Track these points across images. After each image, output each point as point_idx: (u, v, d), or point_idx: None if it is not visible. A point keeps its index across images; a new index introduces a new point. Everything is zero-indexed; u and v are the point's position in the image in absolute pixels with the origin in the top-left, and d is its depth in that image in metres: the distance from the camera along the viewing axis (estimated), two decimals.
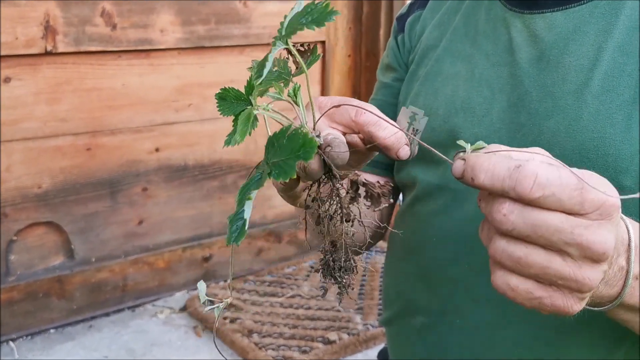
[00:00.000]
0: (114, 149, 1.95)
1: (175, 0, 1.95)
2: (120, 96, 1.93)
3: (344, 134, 0.53)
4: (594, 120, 0.65)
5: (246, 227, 0.44)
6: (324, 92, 2.40)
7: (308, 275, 2.24)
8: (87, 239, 1.95)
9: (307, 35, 2.25)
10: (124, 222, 2.01)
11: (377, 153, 0.58)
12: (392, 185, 0.50)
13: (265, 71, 0.47)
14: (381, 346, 1.86)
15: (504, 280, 0.46)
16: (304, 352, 1.79)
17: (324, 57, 2.34)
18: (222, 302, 0.48)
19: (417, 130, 0.56)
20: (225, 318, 1.94)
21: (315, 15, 0.46)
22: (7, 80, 1.74)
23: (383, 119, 0.53)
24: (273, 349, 1.79)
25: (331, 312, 1.98)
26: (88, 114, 1.89)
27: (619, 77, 0.65)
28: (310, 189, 0.51)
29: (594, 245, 0.43)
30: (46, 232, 1.89)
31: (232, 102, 0.51)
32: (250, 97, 0.49)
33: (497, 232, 0.45)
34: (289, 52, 0.50)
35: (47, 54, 1.78)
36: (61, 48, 1.79)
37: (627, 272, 0.49)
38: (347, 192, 0.49)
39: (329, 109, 0.54)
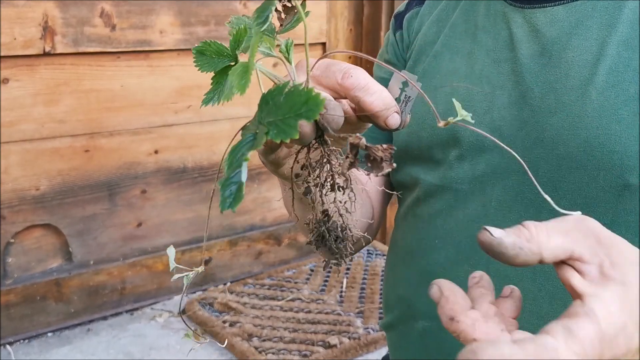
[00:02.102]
0: (112, 150, 1.94)
1: (175, 2, 1.94)
2: (119, 98, 1.92)
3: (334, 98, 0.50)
4: (599, 116, 0.63)
5: (242, 191, 0.39)
6: None
7: (308, 279, 2.22)
8: (85, 242, 1.94)
9: (308, 36, 2.24)
10: (122, 224, 1.99)
11: (370, 125, 0.54)
12: (394, 149, 0.47)
13: (270, 16, 0.42)
14: (382, 350, 1.85)
15: None
16: (305, 356, 1.77)
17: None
18: (192, 270, 0.45)
19: (409, 97, 0.51)
20: (224, 322, 1.92)
21: None
22: (5, 81, 1.73)
23: (372, 84, 0.49)
24: (273, 353, 1.77)
25: (332, 316, 1.97)
26: (86, 116, 1.87)
27: (624, 72, 0.63)
28: (297, 155, 0.47)
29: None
30: (44, 234, 1.88)
31: (213, 57, 0.47)
32: (236, 52, 0.45)
33: None
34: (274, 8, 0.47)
35: (45, 54, 1.76)
36: (59, 49, 1.78)
37: None
38: (347, 157, 0.45)
39: (312, 68, 0.50)
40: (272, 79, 0.46)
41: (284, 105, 0.40)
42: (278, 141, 0.39)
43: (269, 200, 2.25)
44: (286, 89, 0.41)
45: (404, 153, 0.79)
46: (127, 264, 2.01)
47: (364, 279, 2.22)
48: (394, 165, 0.46)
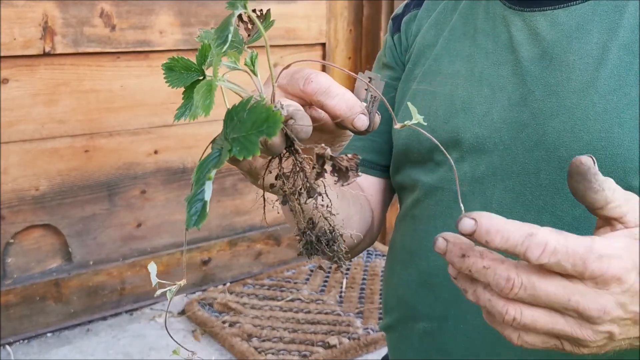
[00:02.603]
0: (111, 151, 1.94)
1: (175, 2, 1.94)
2: (119, 98, 1.92)
3: (302, 106, 0.49)
4: (602, 119, 0.63)
5: (207, 210, 0.40)
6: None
7: (308, 279, 2.22)
8: (85, 242, 1.94)
9: (307, 37, 2.24)
10: (121, 225, 1.99)
11: (351, 134, 0.54)
12: (360, 158, 0.47)
13: (230, 36, 0.43)
14: (382, 350, 1.85)
15: (512, 333, 0.48)
16: (304, 356, 1.77)
17: (324, 59, 2.33)
18: (174, 284, 0.45)
19: (375, 97, 0.50)
20: (224, 322, 1.92)
21: None
22: (5, 81, 1.73)
23: (334, 87, 0.48)
24: (273, 354, 1.77)
25: (331, 316, 1.97)
26: (86, 116, 1.87)
27: (625, 76, 0.64)
28: (270, 165, 0.47)
29: (590, 311, 0.45)
30: (43, 235, 1.87)
31: (182, 72, 0.47)
32: (202, 67, 0.45)
33: (497, 294, 0.46)
34: (240, 19, 0.47)
35: (45, 55, 1.76)
36: (59, 49, 1.78)
37: None
38: (313, 167, 0.46)
39: (278, 77, 0.50)
40: (238, 93, 0.46)
41: (246, 122, 0.40)
42: (241, 158, 0.40)
43: (268, 200, 2.25)
44: (249, 105, 0.41)
45: (404, 155, 0.79)
46: (127, 265, 2.00)
47: (364, 279, 2.22)
48: (360, 174, 0.46)
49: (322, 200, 0.46)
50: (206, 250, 2.16)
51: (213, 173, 0.41)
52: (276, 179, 0.47)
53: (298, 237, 0.48)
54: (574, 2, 0.68)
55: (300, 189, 0.46)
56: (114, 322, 1.96)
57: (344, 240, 0.48)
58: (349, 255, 0.50)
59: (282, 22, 2.16)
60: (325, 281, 2.21)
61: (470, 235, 0.44)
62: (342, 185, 0.46)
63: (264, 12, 0.47)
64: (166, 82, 0.47)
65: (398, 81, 0.84)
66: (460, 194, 0.72)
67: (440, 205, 0.74)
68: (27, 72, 1.76)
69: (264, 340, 1.83)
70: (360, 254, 2.38)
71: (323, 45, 2.31)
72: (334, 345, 1.81)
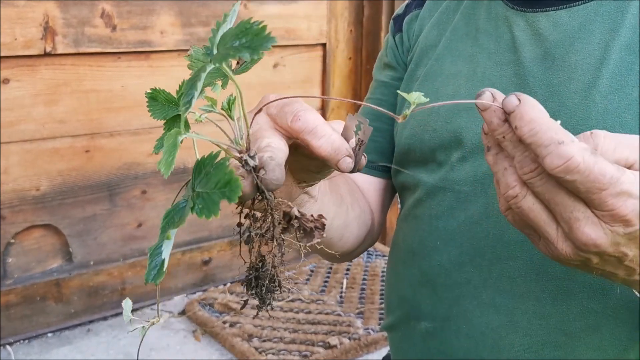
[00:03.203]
0: (112, 151, 1.94)
1: (175, 2, 1.94)
2: (119, 98, 1.92)
3: (289, 138, 0.49)
4: (603, 119, 0.63)
5: (164, 268, 0.39)
6: (324, 94, 2.38)
7: (308, 279, 2.22)
8: (85, 242, 1.94)
9: (307, 37, 2.24)
10: (122, 225, 1.99)
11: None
12: (326, 219, 0.47)
13: (195, 97, 0.41)
14: (382, 351, 1.85)
15: (509, 210, 0.49)
16: (305, 356, 1.77)
17: (324, 60, 2.33)
18: (147, 322, 0.44)
19: (362, 141, 0.49)
20: (224, 322, 1.92)
21: (249, 38, 0.40)
22: (6, 81, 1.73)
23: (320, 127, 0.48)
24: (273, 354, 1.77)
25: (332, 317, 1.97)
26: (86, 116, 1.87)
27: (627, 76, 0.64)
28: (243, 205, 0.47)
29: (581, 236, 0.45)
30: (44, 235, 1.87)
31: (163, 104, 0.46)
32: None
33: (514, 169, 0.46)
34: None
35: (46, 55, 1.76)
36: (60, 49, 1.78)
37: None
38: (279, 223, 0.46)
39: (270, 107, 0.50)
40: (214, 143, 0.45)
41: (211, 179, 0.40)
42: (201, 218, 0.39)
43: None
44: (215, 161, 0.40)
45: (405, 155, 0.79)
46: (127, 265, 2.01)
47: (364, 279, 2.22)
48: (324, 235, 0.47)
49: (281, 251, 0.47)
50: (207, 250, 2.16)
51: (173, 233, 0.40)
52: (245, 217, 0.47)
53: (247, 268, 0.48)
54: (577, 3, 0.68)
55: (266, 232, 0.46)
56: (114, 322, 1.96)
57: (280, 292, 0.48)
58: (273, 309, 0.50)
59: (283, 22, 2.16)
60: (326, 281, 2.21)
61: (508, 114, 0.44)
62: (306, 245, 0.47)
63: (241, 62, 0.47)
64: (149, 112, 0.46)
65: (399, 81, 0.84)
66: (461, 194, 0.72)
67: (442, 205, 0.74)
68: (28, 72, 1.76)
69: (264, 341, 1.83)
70: (361, 255, 2.38)
71: (324, 45, 2.31)
72: (335, 346, 1.81)
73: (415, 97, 0.45)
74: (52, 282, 1.88)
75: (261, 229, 0.46)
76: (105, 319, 1.97)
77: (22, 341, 1.84)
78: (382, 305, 1.99)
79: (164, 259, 0.39)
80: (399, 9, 0.90)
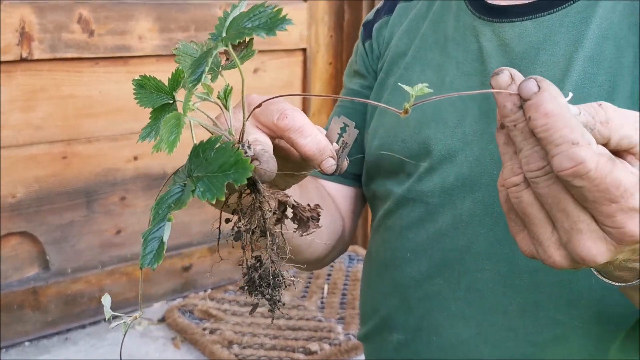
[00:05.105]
0: (90, 157, 1.92)
1: (154, 7, 1.93)
2: (97, 104, 1.90)
3: (270, 137, 0.49)
4: None
5: (164, 250, 0.38)
6: (305, 99, 2.38)
7: (290, 285, 2.21)
8: (63, 250, 1.91)
9: (287, 42, 2.24)
10: (100, 231, 1.97)
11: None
12: (322, 209, 0.46)
13: (203, 74, 0.40)
14: (363, 356, 1.84)
15: (505, 203, 0.45)
16: None
17: (305, 64, 2.33)
18: (129, 317, 0.44)
19: (346, 143, 0.50)
20: (204, 329, 1.91)
21: (263, 20, 0.39)
22: None
23: (307, 126, 0.48)
24: None
25: (312, 322, 1.96)
26: (64, 122, 1.85)
27: (589, 87, 0.64)
28: (229, 198, 0.46)
29: (582, 248, 0.41)
30: (20, 242, 1.85)
31: (152, 92, 0.46)
32: (173, 93, 0.44)
33: (519, 163, 0.42)
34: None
35: (22, 60, 1.74)
36: (37, 55, 1.76)
37: None
38: (274, 213, 0.45)
39: (252, 110, 0.49)
40: (207, 128, 0.45)
41: (213, 162, 0.39)
42: (204, 200, 0.38)
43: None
44: (217, 145, 0.40)
45: (376, 165, 0.78)
46: (106, 272, 1.98)
47: (345, 284, 2.22)
48: (320, 225, 0.46)
49: (275, 243, 0.45)
50: (187, 256, 2.14)
51: (173, 215, 0.39)
52: (233, 213, 0.46)
53: (243, 272, 0.47)
54: (542, 14, 0.68)
55: (256, 227, 0.45)
56: (92, 330, 1.94)
57: (286, 287, 0.47)
58: (285, 304, 0.49)
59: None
60: (307, 287, 2.20)
61: (524, 100, 0.40)
62: (301, 235, 0.45)
63: (247, 40, 0.45)
64: (135, 99, 0.45)
65: (369, 90, 0.83)
66: (430, 206, 0.72)
67: (411, 216, 0.74)
68: (4, 78, 1.73)
69: (244, 347, 1.82)
70: (342, 259, 2.37)
71: (304, 50, 2.31)
72: (315, 352, 1.81)
73: (418, 90, 0.42)
74: (29, 290, 1.86)
75: (251, 224, 0.45)
76: (83, 327, 1.95)
77: None
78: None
79: (164, 242, 0.38)
80: (369, 14, 0.89)
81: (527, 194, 0.42)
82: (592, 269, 0.50)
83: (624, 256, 0.44)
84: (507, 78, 0.42)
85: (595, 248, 0.41)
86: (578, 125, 0.39)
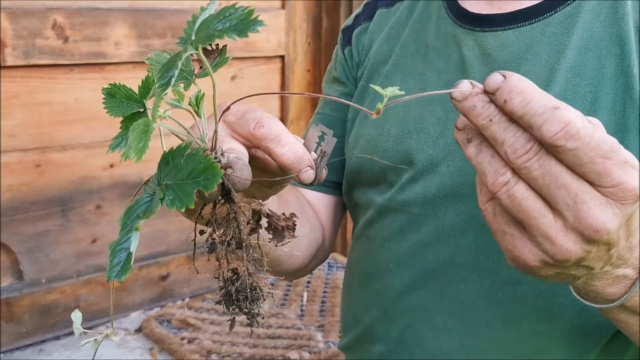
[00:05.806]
0: (65, 165, 1.89)
1: (130, 13, 1.91)
2: (72, 111, 1.87)
3: (246, 147, 0.48)
4: None
5: (131, 261, 0.37)
6: (283, 106, 2.37)
7: (268, 293, 2.20)
8: (37, 259, 1.88)
9: (266, 49, 2.24)
10: (76, 241, 1.94)
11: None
12: (298, 218, 0.45)
13: (174, 79, 0.39)
14: None
15: (490, 203, 0.44)
16: None
17: (283, 72, 2.32)
18: (100, 334, 0.43)
19: (324, 152, 0.49)
20: (182, 338, 1.88)
21: (234, 22, 0.38)
22: None
23: (284, 135, 0.47)
24: None
25: (292, 331, 1.95)
26: (37, 130, 1.82)
27: (572, 98, 0.64)
28: (202, 209, 0.45)
29: (591, 218, 0.40)
30: None
31: (122, 101, 0.45)
32: (144, 100, 0.43)
33: (502, 156, 0.42)
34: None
35: None
36: (10, 61, 1.73)
37: (635, 281, 0.47)
38: (248, 222, 0.44)
39: (229, 114, 0.48)
40: (178, 136, 0.43)
41: (183, 169, 0.38)
42: (173, 209, 0.37)
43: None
44: (187, 151, 0.38)
45: (356, 175, 0.78)
46: (81, 282, 1.95)
47: (325, 292, 2.21)
48: (296, 235, 0.44)
49: (251, 255, 0.44)
50: (164, 265, 2.12)
51: (141, 223, 0.38)
52: (207, 224, 0.45)
53: (220, 286, 0.45)
54: (523, 23, 0.68)
55: (231, 239, 0.44)
56: (67, 341, 1.90)
57: (264, 300, 0.46)
58: (264, 318, 0.48)
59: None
60: (286, 295, 2.19)
61: (492, 94, 0.41)
62: (276, 245, 0.44)
63: (220, 46, 0.44)
64: (105, 108, 0.44)
65: (349, 97, 0.83)
66: (412, 216, 0.72)
67: (393, 226, 0.73)
68: None
69: (223, 357, 1.80)
70: (321, 267, 2.37)
71: (282, 57, 2.31)
72: None
73: (390, 91, 0.42)
74: (3, 301, 1.81)
75: (226, 236, 0.44)
76: (57, 338, 1.91)
77: None
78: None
79: (131, 252, 0.37)
80: (347, 20, 0.88)
81: (519, 187, 0.42)
82: (575, 294, 0.51)
83: (600, 265, 0.44)
84: (468, 84, 0.43)
85: (602, 214, 0.40)
86: (548, 95, 0.40)
